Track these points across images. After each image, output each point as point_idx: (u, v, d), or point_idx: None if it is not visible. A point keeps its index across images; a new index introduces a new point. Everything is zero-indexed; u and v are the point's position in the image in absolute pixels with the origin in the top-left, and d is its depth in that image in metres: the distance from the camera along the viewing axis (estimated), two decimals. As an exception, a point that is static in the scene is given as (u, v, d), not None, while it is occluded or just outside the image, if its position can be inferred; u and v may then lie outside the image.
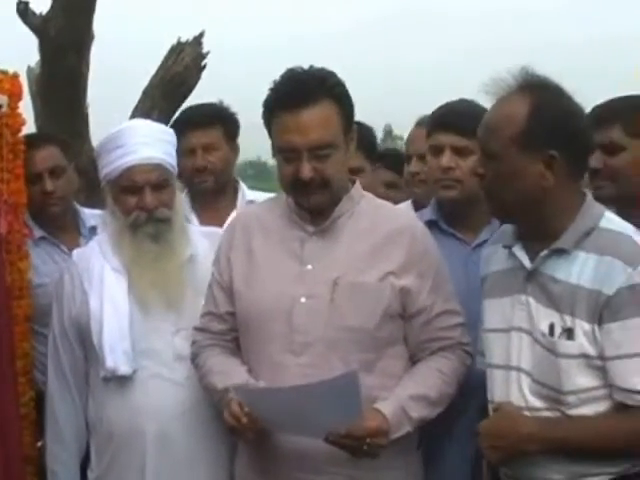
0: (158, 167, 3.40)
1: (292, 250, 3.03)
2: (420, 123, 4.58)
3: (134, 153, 3.38)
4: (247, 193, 4.35)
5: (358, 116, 3.14)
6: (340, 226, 3.03)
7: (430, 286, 3.03)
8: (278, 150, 2.96)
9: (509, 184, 2.67)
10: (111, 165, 3.41)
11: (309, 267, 2.99)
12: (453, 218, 3.45)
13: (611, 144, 3.15)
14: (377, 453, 2.82)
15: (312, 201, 2.98)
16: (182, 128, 4.25)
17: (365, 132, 4.08)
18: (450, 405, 3.06)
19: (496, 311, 2.85)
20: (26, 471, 3.58)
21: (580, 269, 2.62)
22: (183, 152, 4.30)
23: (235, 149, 4.40)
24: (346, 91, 2.99)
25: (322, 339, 2.92)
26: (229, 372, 3.05)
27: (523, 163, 2.65)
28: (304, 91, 2.89)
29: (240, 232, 3.15)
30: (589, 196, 2.77)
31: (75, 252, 3.65)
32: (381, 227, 3.04)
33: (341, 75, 3.01)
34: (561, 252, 2.67)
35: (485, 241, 3.36)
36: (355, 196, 3.08)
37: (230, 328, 3.15)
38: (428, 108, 3.70)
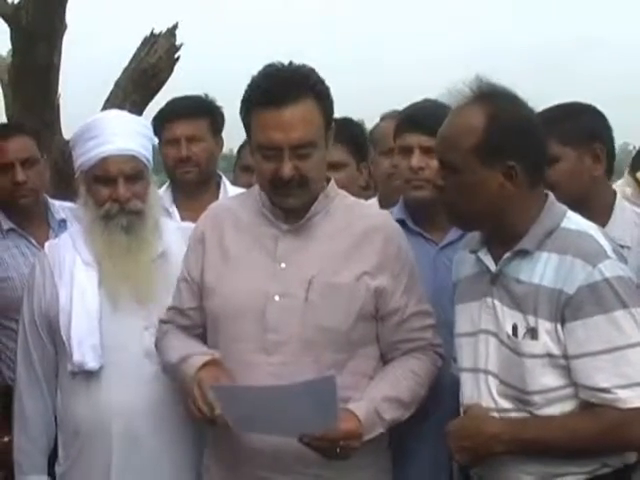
0: (133, 159, 3.38)
1: (266, 247, 3.00)
2: (385, 117, 4.58)
3: (109, 143, 3.35)
4: (229, 189, 4.33)
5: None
6: (315, 224, 3.01)
7: (404, 287, 3.02)
8: (258, 147, 2.91)
9: (469, 196, 2.69)
10: (86, 155, 3.39)
11: (283, 265, 2.97)
12: (421, 218, 3.44)
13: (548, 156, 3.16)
14: (349, 455, 2.81)
15: (290, 201, 2.95)
16: (167, 118, 4.24)
17: (352, 127, 4.05)
18: (421, 406, 3.06)
19: (466, 316, 2.87)
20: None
21: (542, 269, 2.65)
22: (167, 142, 4.29)
23: (219, 143, 4.39)
24: (327, 89, 2.96)
25: (296, 338, 2.90)
26: (187, 347, 3.06)
27: (483, 175, 2.66)
28: (286, 88, 2.85)
29: (211, 227, 3.12)
30: (551, 197, 2.79)
31: (47, 244, 3.62)
32: (356, 226, 3.02)
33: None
34: (524, 253, 2.70)
35: (453, 241, 3.37)
36: (330, 194, 3.06)
37: (193, 324, 3.14)
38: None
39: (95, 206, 3.39)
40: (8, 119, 6.69)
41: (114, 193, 3.35)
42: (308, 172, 2.90)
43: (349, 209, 3.08)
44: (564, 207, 2.78)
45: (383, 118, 4.76)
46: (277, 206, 3.00)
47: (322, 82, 2.95)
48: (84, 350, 3.30)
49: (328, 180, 3.11)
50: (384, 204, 3.91)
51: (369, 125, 4.90)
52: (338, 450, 2.77)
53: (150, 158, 3.49)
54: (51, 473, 3.48)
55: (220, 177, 4.39)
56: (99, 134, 3.37)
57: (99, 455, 3.33)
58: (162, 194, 4.43)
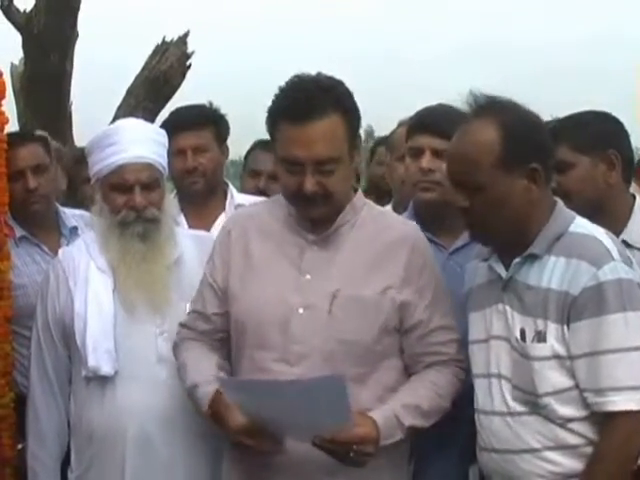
0: (149, 167, 3.39)
1: (291, 257, 2.99)
2: (402, 123, 4.58)
3: (126, 151, 3.36)
4: (236, 196, 4.33)
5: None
6: (341, 236, 3.00)
7: (428, 300, 3.00)
8: (281, 161, 2.92)
9: (499, 209, 2.71)
10: (102, 162, 3.40)
11: (308, 277, 2.95)
12: (431, 222, 3.42)
13: (560, 163, 3.17)
14: (364, 461, 2.78)
15: (313, 213, 2.95)
16: (172, 129, 4.22)
17: None
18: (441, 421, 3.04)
19: (478, 323, 2.89)
20: (5, 473, 3.53)
21: (550, 273, 2.70)
22: (173, 153, 4.29)
23: (225, 151, 4.39)
24: (354, 102, 2.94)
25: (318, 351, 2.89)
26: (198, 369, 3.03)
27: (509, 184, 2.69)
28: (311, 103, 2.83)
29: (237, 233, 3.10)
30: (560, 203, 2.84)
31: (61, 250, 3.62)
32: (382, 238, 3.00)
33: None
34: (534, 258, 2.74)
35: (463, 246, 3.37)
36: (357, 205, 3.05)
37: (215, 329, 3.12)
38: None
39: (111, 213, 3.40)
40: (20, 127, 6.70)
41: (130, 201, 3.36)
42: (332, 187, 2.89)
43: (376, 220, 3.06)
44: (573, 213, 2.82)
45: (400, 124, 4.77)
46: (301, 216, 2.99)
47: (349, 95, 2.93)
48: (99, 355, 3.30)
49: (356, 190, 3.11)
50: (399, 210, 3.91)
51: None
52: (352, 455, 2.74)
53: (165, 166, 3.50)
54: (64, 479, 3.48)
55: (227, 185, 4.39)
56: (116, 142, 3.38)
57: (113, 461, 3.33)
58: None
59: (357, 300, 2.92)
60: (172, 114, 4.52)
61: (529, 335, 2.70)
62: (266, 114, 2.97)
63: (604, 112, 3.44)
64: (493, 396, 2.80)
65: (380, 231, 3.02)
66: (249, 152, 4.74)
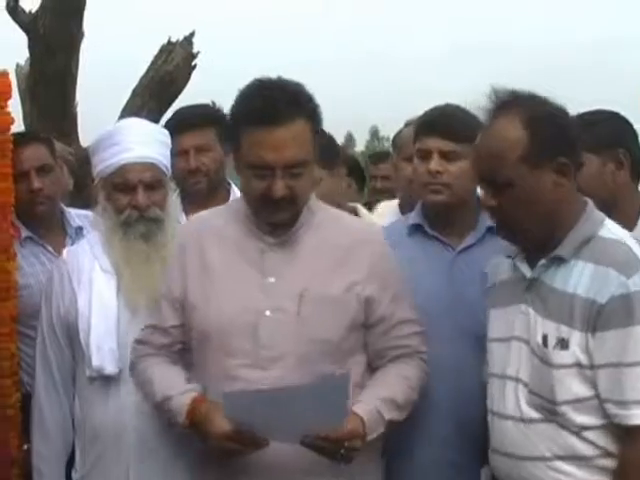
0: (152, 167, 3.40)
1: (252, 262, 2.99)
2: (409, 123, 4.58)
3: (129, 151, 3.38)
4: (239, 195, 4.32)
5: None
6: (300, 237, 3.01)
7: (392, 295, 3.03)
8: (248, 165, 2.90)
9: (529, 205, 2.67)
10: (105, 162, 3.41)
11: (272, 280, 2.95)
12: (438, 222, 3.43)
13: None
14: (352, 457, 2.81)
15: (279, 217, 2.95)
16: (175, 129, 4.21)
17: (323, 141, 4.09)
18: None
19: (499, 321, 2.87)
20: (12, 474, 3.54)
21: (577, 278, 2.64)
22: (176, 153, 4.28)
23: (227, 150, 4.38)
24: (317, 106, 2.95)
25: (291, 353, 2.89)
26: (167, 382, 3.01)
27: (538, 179, 2.66)
28: (279, 108, 2.83)
29: (193, 242, 3.08)
30: (590, 204, 2.79)
31: (65, 250, 3.63)
32: (343, 238, 3.03)
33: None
34: (560, 260, 2.69)
35: (471, 245, 3.38)
36: (313, 207, 3.06)
37: (173, 341, 3.10)
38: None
39: (114, 213, 3.41)
40: (26, 127, 6.70)
41: (133, 200, 3.37)
42: (299, 191, 2.91)
43: (334, 221, 3.09)
44: (602, 215, 2.77)
45: (407, 124, 4.77)
46: (264, 220, 2.98)
47: (312, 100, 2.94)
48: (103, 355, 3.32)
49: None
50: (405, 209, 3.90)
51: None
52: (342, 451, 2.76)
53: (168, 166, 3.50)
54: (69, 479, 3.49)
55: (229, 184, 4.39)
56: (119, 142, 3.40)
57: (117, 460, 3.34)
58: None
59: (324, 299, 2.93)
60: (175, 114, 4.52)
61: (551, 341, 2.65)
62: (228, 119, 2.97)
63: (613, 111, 3.43)
64: (507, 399, 2.77)
65: (340, 232, 3.04)
66: None
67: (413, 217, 3.49)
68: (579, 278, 2.63)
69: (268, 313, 2.92)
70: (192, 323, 3.03)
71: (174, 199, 3.58)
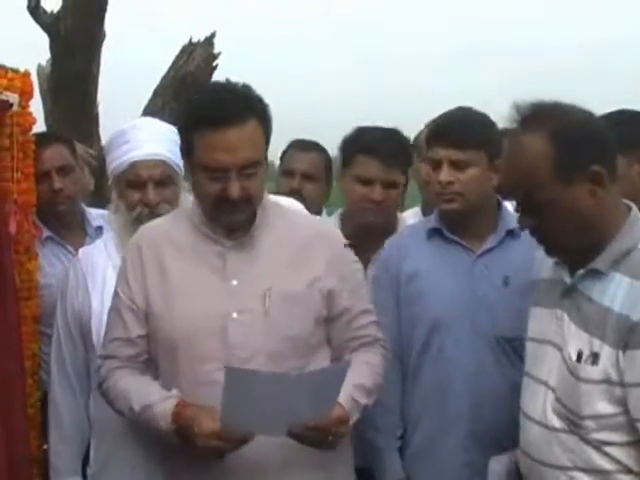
0: (162, 163, 3.45)
1: (212, 265, 2.98)
2: (429, 125, 4.56)
3: (139, 148, 3.43)
4: None
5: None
6: (257, 237, 3.01)
7: (350, 287, 3.07)
8: (203, 168, 2.88)
9: (569, 220, 2.59)
10: (117, 160, 3.47)
11: (235, 282, 2.94)
12: (457, 227, 3.43)
13: None
14: (338, 443, 2.83)
15: (235, 219, 2.94)
16: None
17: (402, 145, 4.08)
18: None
19: (537, 321, 2.83)
20: (32, 473, 3.55)
21: (613, 292, 2.56)
22: None
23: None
24: (267, 107, 2.95)
25: (262, 352, 2.89)
26: (144, 391, 2.97)
27: (573, 193, 2.57)
28: (231, 110, 2.83)
29: (148, 250, 3.05)
30: (634, 211, 2.70)
31: (81, 250, 3.66)
32: (297, 234, 3.05)
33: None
34: (596, 272, 2.61)
35: (491, 249, 3.37)
36: (266, 206, 3.06)
37: (140, 352, 3.05)
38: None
39: (126, 210, 3.46)
40: (47, 127, 6.72)
41: (144, 197, 3.42)
42: (253, 191, 2.91)
43: (287, 218, 3.10)
44: None
45: (427, 126, 4.76)
46: (219, 223, 2.98)
47: (262, 101, 2.94)
48: None
49: None
50: (427, 210, 3.89)
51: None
52: (330, 438, 2.78)
53: (180, 164, 3.51)
54: (85, 475, 3.52)
55: None
56: (130, 140, 3.45)
57: (127, 457, 3.35)
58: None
59: (289, 296, 2.93)
60: None
61: (584, 355, 2.58)
62: (181, 122, 2.98)
63: (637, 111, 3.41)
64: (536, 403, 2.74)
65: (294, 229, 3.06)
66: (284, 152, 4.72)
67: (432, 221, 3.49)
68: (615, 292, 2.55)
69: (235, 315, 2.91)
70: (157, 333, 3.00)
71: (188, 197, 3.59)
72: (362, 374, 2.98)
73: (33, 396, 3.65)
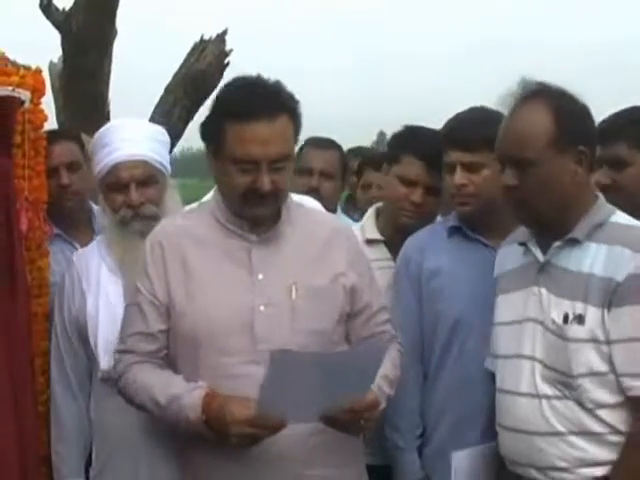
0: (143, 164, 3.43)
1: (239, 260, 2.99)
2: None
3: (119, 150, 3.42)
4: None
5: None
6: (281, 233, 3.03)
7: (368, 283, 3.12)
8: (233, 160, 2.90)
9: (547, 187, 2.77)
10: (99, 164, 3.47)
11: (260, 276, 2.96)
12: (476, 227, 3.44)
13: (617, 160, 3.23)
14: (367, 429, 2.87)
15: (262, 212, 2.97)
16: None
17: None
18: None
19: (509, 305, 2.95)
20: (40, 472, 3.54)
21: (592, 259, 2.74)
22: None
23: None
24: (298, 104, 2.98)
25: (289, 345, 2.85)
26: (169, 383, 2.95)
27: (558, 164, 2.76)
28: (264, 104, 2.86)
29: (169, 246, 3.05)
30: (601, 197, 2.90)
31: (76, 253, 3.68)
32: (318, 231, 3.09)
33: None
34: (573, 243, 2.79)
35: None
36: (289, 203, 3.09)
37: (161, 347, 3.05)
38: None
39: (111, 213, 3.46)
40: (59, 125, 6.72)
41: (127, 199, 3.41)
42: (282, 185, 2.94)
43: (307, 216, 3.15)
44: (613, 207, 2.87)
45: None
46: (245, 217, 2.99)
47: (293, 97, 2.97)
48: (111, 357, 3.30)
49: None
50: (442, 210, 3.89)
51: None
52: (362, 422, 2.81)
53: (165, 163, 3.53)
54: (88, 476, 3.52)
55: None
56: (109, 142, 3.45)
57: (127, 459, 3.36)
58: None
59: (314, 291, 2.97)
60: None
61: (568, 317, 2.73)
62: (210, 114, 2.98)
63: None
64: (521, 378, 2.84)
65: (314, 226, 3.11)
66: (300, 150, 4.71)
67: (452, 219, 3.50)
68: (594, 259, 2.73)
69: (262, 309, 2.93)
70: (179, 327, 3.00)
71: (173, 195, 3.58)
72: (385, 366, 2.97)
73: (44, 394, 3.63)
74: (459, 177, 3.34)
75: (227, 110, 2.90)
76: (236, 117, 2.86)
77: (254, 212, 2.96)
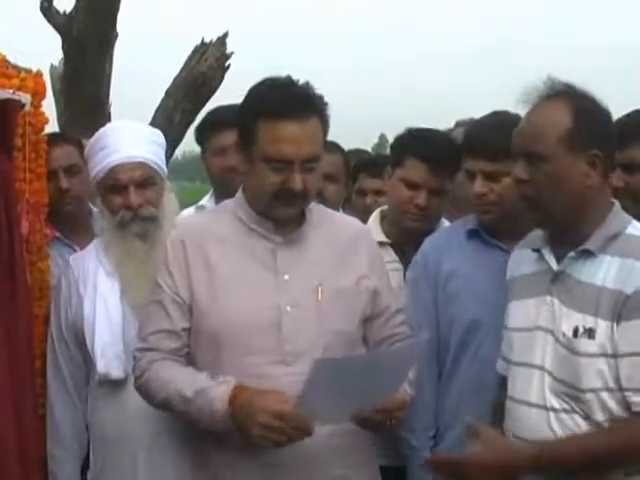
0: (142, 165, 3.43)
1: (263, 261, 3.00)
2: (459, 124, 4.54)
3: (117, 152, 3.41)
4: None
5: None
6: (305, 235, 3.05)
7: (387, 285, 3.18)
8: (265, 159, 2.92)
9: (556, 185, 2.73)
10: (97, 166, 3.46)
11: (286, 277, 2.98)
12: (496, 232, 3.43)
13: (631, 163, 3.21)
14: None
15: (289, 211, 2.99)
16: (212, 127, 4.23)
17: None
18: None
19: (521, 312, 2.91)
20: (42, 473, 3.54)
21: (605, 272, 2.69)
22: (213, 151, 4.29)
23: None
24: (327, 107, 3.01)
25: (315, 346, 2.90)
26: (194, 378, 2.95)
27: (571, 163, 2.72)
28: (298, 104, 2.90)
29: (192, 246, 3.05)
30: (617, 205, 2.84)
31: (72, 256, 3.68)
32: (340, 234, 3.12)
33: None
34: (587, 254, 2.74)
35: None
36: (311, 206, 3.11)
37: (183, 345, 3.04)
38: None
39: (110, 215, 3.46)
40: (60, 128, 6.73)
41: (126, 201, 3.40)
42: (311, 185, 2.97)
43: (329, 218, 3.18)
44: (629, 216, 2.82)
45: (457, 124, 4.74)
46: (271, 217, 3.01)
47: (323, 99, 3.00)
48: (108, 360, 3.34)
49: None
50: (449, 212, 3.89)
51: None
52: (392, 422, 2.85)
53: (162, 165, 3.53)
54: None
55: None
56: (107, 144, 3.44)
57: (126, 462, 3.35)
58: (206, 203, 4.48)
59: (339, 292, 2.99)
60: (211, 113, 4.52)
61: (578, 331, 2.70)
62: (241, 112, 3.02)
63: None
64: (531, 387, 2.81)
65: (336, 228, 3.14)
66: None
67: (471, 222, 3.49)
68: (607, 272, 2.69)
69: (289, 309, 2.94)
70: (202, 327, 3.00)
71: (171, 197, 3.58)
72: None
73: (44, 396, 3.64)
74: (480, 186, 3.33)
75: (261, 109, 2.92)
76: (270, 116, 2.89)
77: (283, 212, 2.98)
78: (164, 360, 3.02)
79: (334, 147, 4.64)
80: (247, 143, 2.97)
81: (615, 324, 2.64)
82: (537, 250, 2.89)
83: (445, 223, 4.02)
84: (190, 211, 4.35)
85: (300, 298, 2.96)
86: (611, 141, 2.80)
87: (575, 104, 2.74)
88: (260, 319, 2.94)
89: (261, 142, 2.92)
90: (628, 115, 3.32)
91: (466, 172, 3.43)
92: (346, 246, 3.09)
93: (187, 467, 3.17)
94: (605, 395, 2.66)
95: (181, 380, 2.95)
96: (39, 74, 3.72)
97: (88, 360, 3.44)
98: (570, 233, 2.78)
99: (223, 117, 4.28)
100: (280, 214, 2.99)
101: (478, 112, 3.40)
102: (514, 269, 3.03)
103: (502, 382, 3.02)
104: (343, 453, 2.96)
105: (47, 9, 6.89)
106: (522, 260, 2.98)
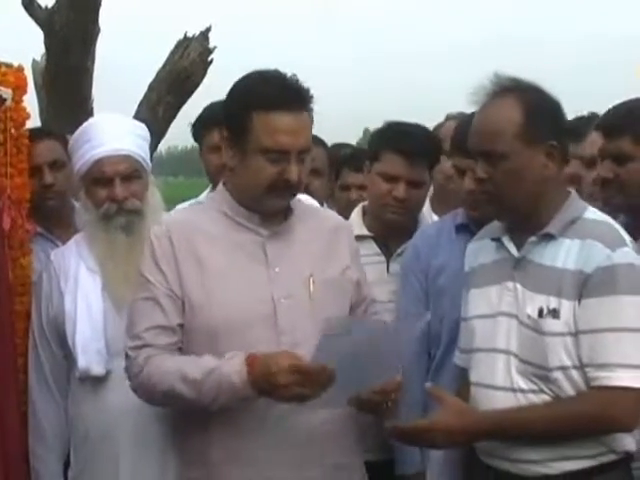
0: (127, 158, 3.43)
1: (254, 255, 3.00)
2: (450, 118, 4.53)
3: (102, 145, 3.41)
4: None
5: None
6: (291, 227, 3.07)
7: (364, 275, 3.23)
8: (262, 150, 2.91)
9: (516, 180, 2.79)
10: (82, 159, 3.46)
11: (277, 269, 2.99)
12: (485, 224, 3.41)
13: (620, 154, 3.21)
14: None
15: (281, 203, 3.01)
16: (208, 124, 4.21)
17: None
18: None
19: (483, 299, 2.96)
20: (25, 470, 3.53)
21: (566, 254, 2.77)
22: (209, 148, 4.29)
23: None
24: (313, 99, 3.00)
25: (311, 336, 2.87)
26: (199, 362, 2.90)
27: (528, 157, 2.79)
28: (293, 96, 2.92)
29: (179, 241, 3.01)
30: (574, 192, 2.94)
31: (53, 252, 3.65)
32: (323, 226, 3.15)
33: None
34: (548, 238, 2.82)
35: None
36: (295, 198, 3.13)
37: (178, 340, 3.00)
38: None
39: (94, 208, 3.45)
40: (42, 123, 6.70)
41: (111, 193, 3.40)
42: (303, 177, 3.01)
43: (310, 211, 3.22)
44: (585, 203, 2.91)
45: (448, 118, 4.74)
46: (263, 209, 3.00)
47: (310, 92, 3.00)
48: (89, 356, 3.33)
49: None
50: (437, 206, 3.89)
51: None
52: (389, 403, 2.88)
53: (147, 159, 3.53)
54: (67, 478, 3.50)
55: None
56: (92, 137, 3.44)
57: (107, 459, 3.34)
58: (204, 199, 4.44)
59: (329, 282, 3.03)
60: (207, 109, 4.48)
61: (542, 311, 2.76)
62: (234, 104, 3.01)
63: None
64: (496, 371, 2.85)
65: (319, 220, 3.18)
66: None
67: (460, 217, 3.52)
68: (567, 254, 2.77)
69: (283, 301, 2.96)
70: (195, 322, 2.98)
71: (155, 190, 3.57)
72: None
73: (25, 393, 3.62)
74: (469, 183, 3.34)
75: (254, 101, 2.92)
76: (265, 108, 2.89)
77: (276, 203, 2.99)
78: (161, 354, 2.98)
79: (317, 141, 4.63)
80: (239, 136, 2.96)
81: (577, 303, 2.71)
82: (496, 239, 2.94)
83: (425, 216, 4.03)
84: (185, 206, 4.34)
85: (293, 290, 2.97)
86: (564, 131, 2.87)
87: (524, 98, 2.80)
88: (255, 313, 2.94)
89: (256, 134, 2.91)
90: (617, 107, 3.33)
91: (455, 168, 3.45)
92: (329, 238, 3.12)
93: (178, 464, 3.13)
94: (573, 373, 2.72)
95: (185, 367, 2.91)
96: (20, 69, 3.71)
97: (69, 356, 3.42)
98: (530, 221, 2.85)
99: (218, 114, 4.26)
100: (273, 206, 2.99)
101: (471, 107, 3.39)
102: (472, 261, 3.08)
103: (461, 374, 3.07)
104: (335, 440, 2.98)
105: (29, 4, 6.86)
106: (480, 251, 3.04)
